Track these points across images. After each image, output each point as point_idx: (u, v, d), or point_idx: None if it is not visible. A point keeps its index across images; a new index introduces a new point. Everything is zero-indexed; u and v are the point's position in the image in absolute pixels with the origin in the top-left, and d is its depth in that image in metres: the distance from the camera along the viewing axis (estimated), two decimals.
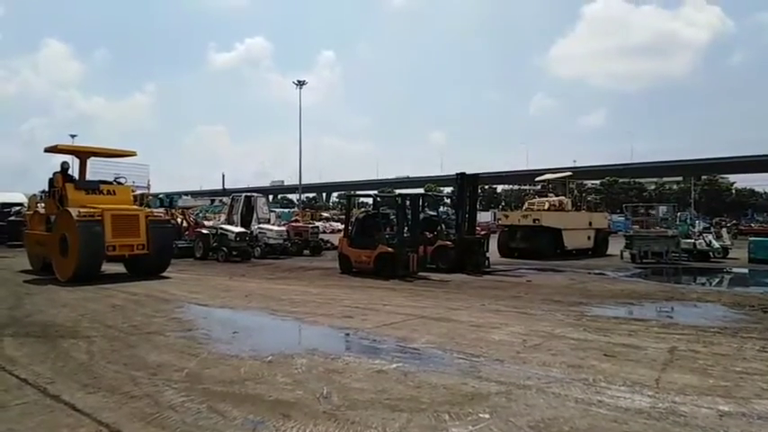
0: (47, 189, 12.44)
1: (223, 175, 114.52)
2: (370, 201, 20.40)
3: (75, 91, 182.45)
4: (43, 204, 12.89)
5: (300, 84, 55.36)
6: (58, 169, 12.07)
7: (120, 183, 12.65)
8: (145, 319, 7.04)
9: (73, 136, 73.09)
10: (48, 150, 12.56)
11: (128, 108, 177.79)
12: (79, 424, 3.43)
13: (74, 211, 10.64)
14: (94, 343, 5.63)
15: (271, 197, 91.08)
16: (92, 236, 10.48)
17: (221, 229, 18.15)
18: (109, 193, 12.08)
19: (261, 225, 19.96)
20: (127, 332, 6.22)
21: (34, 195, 18.43)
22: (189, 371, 4.55)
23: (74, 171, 12.72)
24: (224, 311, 7.93)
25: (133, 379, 4.32)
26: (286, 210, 58.64)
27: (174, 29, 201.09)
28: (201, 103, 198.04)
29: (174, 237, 16.30)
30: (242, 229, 18.15)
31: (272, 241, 19.03)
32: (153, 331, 6.27)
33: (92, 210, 10.87)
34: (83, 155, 12.72)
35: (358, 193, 35.96)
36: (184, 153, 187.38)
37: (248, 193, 21.96)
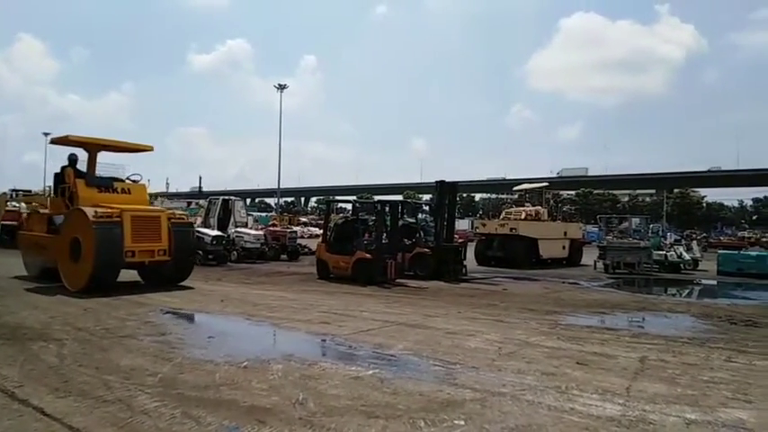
0: (51, 185, 11.22)
1: (200, 178, 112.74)
2: (349, 206, 20.35)
3: (50, 88, 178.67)
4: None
5: (281, 87, 55.01)
6: (63, 164, 10.87)
7: (134, 180, 11.34)
8: (118, 322, 6.91)
9: (46, 134, 71.76)
10: (55, 142, 11.31)
11: (104, 107, 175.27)
12: (48, 429, 3.37)
13: (89, 211, 9.38)
14: (65, 346, 5.51)
15: (248, 201, 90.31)
16: (110, 240, 9.26)
17: (197, 232, 17.83)
18: (123, 191, 10.83)
19: (238, 229, 19.76)
20: (99, 335, 6.10)
21: (4, 194, 17.94)
22: (163, 375, 4.50)
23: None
24: (199, 316, 7.84)
25: (105, 383, 4.25)
26: (264, 214, 58.21)
27: (153, 28, 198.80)
28: (180, 105, 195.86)
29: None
30: (219, 233, 17.94)
31: (249, 245, 18.86)
32: (126, 335, 6.17)
33: (109, 210, 9.63)
34: (93, 148, 11.25)
35: (337, 198, 35.93)
36: (162, 154, 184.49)
37: (225, 196, 21.76)
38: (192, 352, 5.41)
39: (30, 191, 32.98)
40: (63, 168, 10.89)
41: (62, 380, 4.34)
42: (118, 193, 10.72)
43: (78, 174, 10.70)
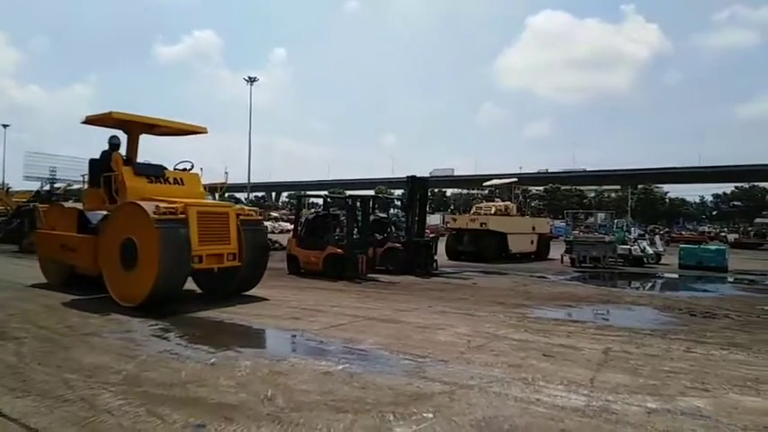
0: (87, 173, 9.36)
1: None
2: (320, 201, 20.23)
3: (10, 79, 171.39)
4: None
5: (251, 80, 54.18)
6: (104, 149, 9.21)
7: (184, 169, 9.44)
8: (81, 319, 6.74)
9: (5, 126, 69.19)
10: (91, 120, 9.08)
11: (67, 99, 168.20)
12: (5, 430, 3.25)
13: (148, 207, 7.55)
14: (25, 344, 5.34)
15: (217, 195, 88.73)
16: (176, 242, 7.53)
17: None
18: (176, 181, 9.07)
19: None
20: (61, 333, 5.94)
21: None
22: (127, 373, 4.41)
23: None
24: (165, 312, 7.67)
25: (66, 382, 4.14)
26: None
27: (118, 18, 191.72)
28: (147, 97, 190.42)
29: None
30: None
31: None
32: (89, 332, 6.02)
33: (171, 205, 7.78)
34: (137, 129, 9.51)
35: (308, 193, 35.80)
36: None
37: None
38: (157, 349, 5.31)
39: None
40: (104, 154, 9.18)
41: (20, 379, 4.20)
42: (170, 183, 9.02)
43: (124, 161, 9.00)
